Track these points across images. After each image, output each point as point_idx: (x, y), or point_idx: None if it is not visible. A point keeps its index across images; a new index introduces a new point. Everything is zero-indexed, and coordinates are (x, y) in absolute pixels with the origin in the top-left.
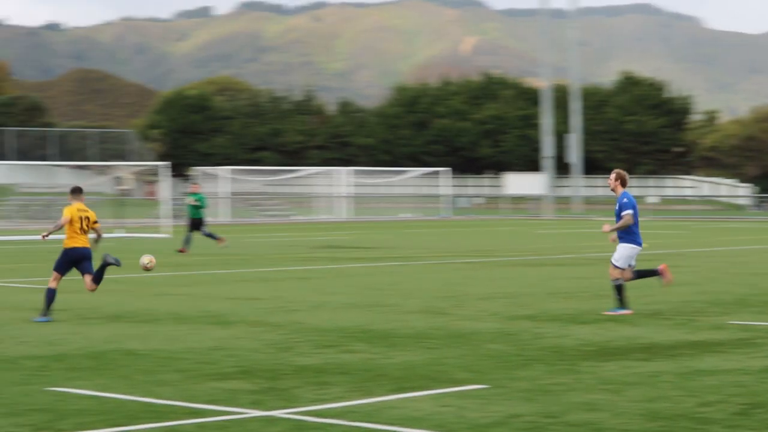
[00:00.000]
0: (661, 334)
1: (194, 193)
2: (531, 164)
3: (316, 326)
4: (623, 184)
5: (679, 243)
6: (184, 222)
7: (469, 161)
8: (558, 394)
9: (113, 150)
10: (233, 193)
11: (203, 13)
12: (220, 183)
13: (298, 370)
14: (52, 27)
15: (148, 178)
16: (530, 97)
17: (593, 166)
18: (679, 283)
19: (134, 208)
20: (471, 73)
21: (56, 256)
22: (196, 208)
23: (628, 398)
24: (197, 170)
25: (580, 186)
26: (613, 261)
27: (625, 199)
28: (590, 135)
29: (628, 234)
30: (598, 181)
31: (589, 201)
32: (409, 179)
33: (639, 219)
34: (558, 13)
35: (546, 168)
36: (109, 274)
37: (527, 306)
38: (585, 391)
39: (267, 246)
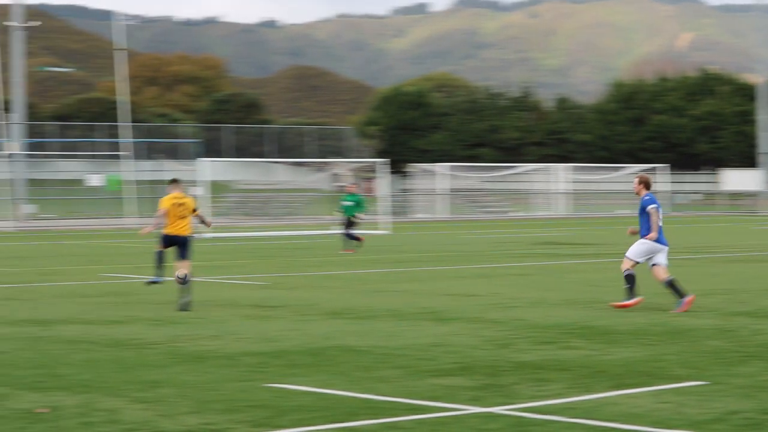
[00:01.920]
0: None
1: (351, 194)
2: (747, 160)
3: (534, 322)
4: (647, 187)
5: None
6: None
7: (686, 157)
8: None
9: (331, 147)
10: (451, 190)
11: (420, 9)
12: (438, 180)
13: (517, 366)
14: (269, 24)
15: (366, 174)
16: (747, 93)
17: None
18: None
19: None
20: (687, 69)
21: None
22: (352, 208)
23: None
24: (415, 167)
25: None
26: (630, 256)
27: (647, 197)
28: None
29: (649, 231)
30: None
31: None
32: (626, 175)
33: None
34: None
35: (762, 164)
36: (327, 271)
37: (745, 302)
38: None
39: (485, 242)
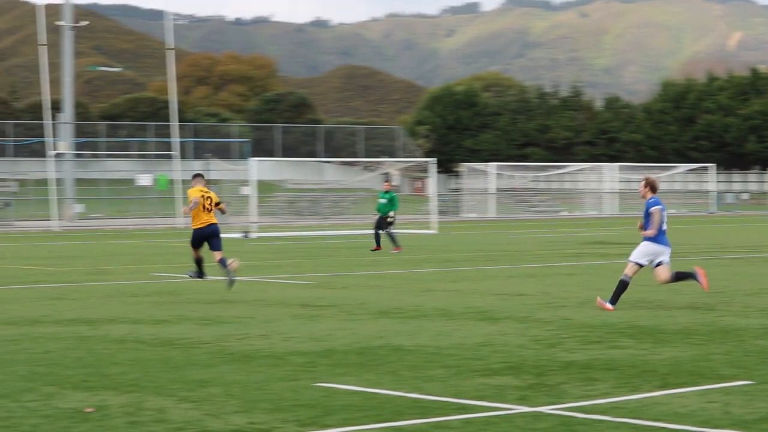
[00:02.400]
0: None
1: (387, 192)
2: None
3: (582, 322)
4: (653, 190)
5: None
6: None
7: (735, 157)
8: None
9: (380, 146)
10: (501, 189)
11: (470, 9)
12: (487, 179)
13: (564, 366)
14: (319, 23)
15: (416, 174)
16: None
17: None
18: None
19: (402, 205)
20: (737, 68)
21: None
22: (386, 206)
23: None
24: (465, 167)
25: None
26: (632, 258)
27: (652, 200)
28: None
29: (663, 235)
30: None
31: None
32: (676, 175)
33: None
34: None
35: None
36: (376, 270)
37: None
38: None
39: (534, 242)
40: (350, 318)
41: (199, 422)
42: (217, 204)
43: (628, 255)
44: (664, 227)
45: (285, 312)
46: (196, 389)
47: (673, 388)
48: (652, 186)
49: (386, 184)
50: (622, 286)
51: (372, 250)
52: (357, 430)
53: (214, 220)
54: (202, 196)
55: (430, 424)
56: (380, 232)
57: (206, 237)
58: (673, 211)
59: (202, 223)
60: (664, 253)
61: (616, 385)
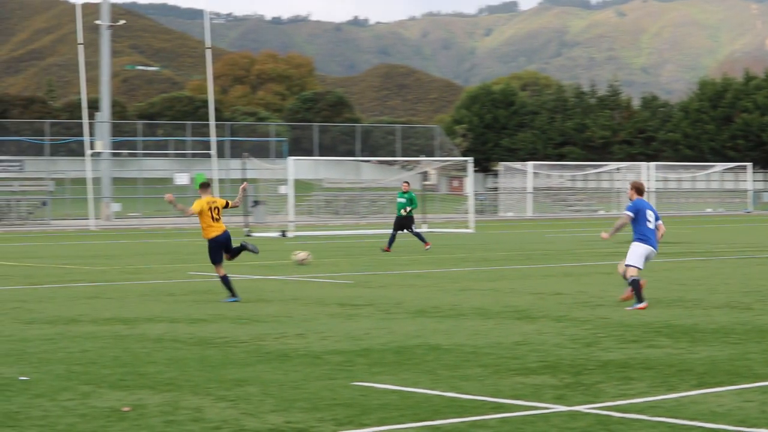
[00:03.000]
0: None
1: (405, 192)
2: None
3: (620, 321)
4: (639, 192)
5: None
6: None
7: None
8: None
9: (418, 145)
10: (538, 188)
11: (508, 8)
12: (525, 178)
13: (601, 365)
14: (357, 23)
15: (453, 173)
16: None
17: None
18: None
19: (439, 204)
20: None
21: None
22: (405, 206)
23: None
24: (502, 165)
25: None
26: (627, 262)
27: (630, 203)
28: None
29: (639, 235)
30: None
31: None
32: (713, 174)
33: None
34: None
35: None
36: (413, 269)
37: None
38: None
39: (571, 241)
40: (387, 317)
41: (236, 421)
42: (225, 206)
43: (665, 255)
44: (651, 226)
45: (322, 311)
46: (232, 388)
47: (709, 387)
48: (638, 189)
49: (405, 184)
50: (637, 284)
51: (383, 251)
52: (394, 429)
53: (224, 227)
54: (211, 207)
55: (467, 423)
56: (398, 233)
57: (224, 243)
58: (709, 210)
59: (214, 231)
60: (652, 254)
61: (652, 384)
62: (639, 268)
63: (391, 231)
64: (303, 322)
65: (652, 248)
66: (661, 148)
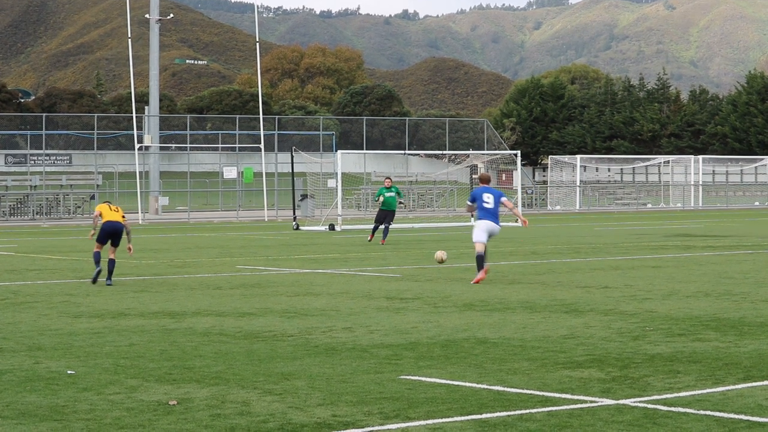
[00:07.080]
0: None
1: (389, 188)
2: None
3: (667, 314)
4: (482, 181)
5: None
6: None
7: None
8: None
9: (467, 138)
10: (587, 182)
11: (558, 1)
12: (574, 171)
13: (648, 358)
14: (406, 16)
15: (502, 166)
16: None
17: None
18: None
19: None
20: None
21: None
22: (394, 199)
23: None
24: (551, 159)
25: None
26: (473, 239)
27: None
28: None
29: (480, 214)
30: None
31: None
32: (761, 167)
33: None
34: None
35: None
36: (460, 263)
37: None
38: None
39: (619, 234)
40: (435, 311)
41: (283, 415)
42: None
43: (713, 248)
44: (488, 206)
45: (370, 304)
46: (280, 382)
47: (756, 381)
48: (480, 179)
49: (387, 180)
50: (481, 258)
51: (381, 243)
52: (441, 422)
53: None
54: (109, 210)
55: (514, 416)
56: (381, 226)
57: (113, 233)
58: (757, 203)
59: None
60: (494, 228)
61: (699, 378)
62: (483, 243)
63: (384, 224)
64: (350, 315)
65: (491, 223)
66: (709, 141)
